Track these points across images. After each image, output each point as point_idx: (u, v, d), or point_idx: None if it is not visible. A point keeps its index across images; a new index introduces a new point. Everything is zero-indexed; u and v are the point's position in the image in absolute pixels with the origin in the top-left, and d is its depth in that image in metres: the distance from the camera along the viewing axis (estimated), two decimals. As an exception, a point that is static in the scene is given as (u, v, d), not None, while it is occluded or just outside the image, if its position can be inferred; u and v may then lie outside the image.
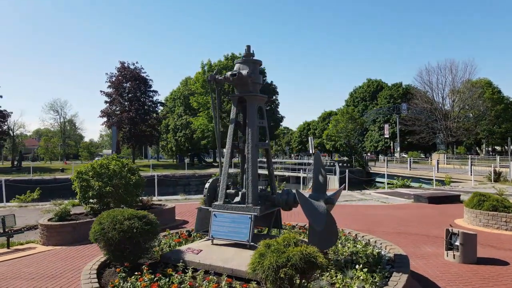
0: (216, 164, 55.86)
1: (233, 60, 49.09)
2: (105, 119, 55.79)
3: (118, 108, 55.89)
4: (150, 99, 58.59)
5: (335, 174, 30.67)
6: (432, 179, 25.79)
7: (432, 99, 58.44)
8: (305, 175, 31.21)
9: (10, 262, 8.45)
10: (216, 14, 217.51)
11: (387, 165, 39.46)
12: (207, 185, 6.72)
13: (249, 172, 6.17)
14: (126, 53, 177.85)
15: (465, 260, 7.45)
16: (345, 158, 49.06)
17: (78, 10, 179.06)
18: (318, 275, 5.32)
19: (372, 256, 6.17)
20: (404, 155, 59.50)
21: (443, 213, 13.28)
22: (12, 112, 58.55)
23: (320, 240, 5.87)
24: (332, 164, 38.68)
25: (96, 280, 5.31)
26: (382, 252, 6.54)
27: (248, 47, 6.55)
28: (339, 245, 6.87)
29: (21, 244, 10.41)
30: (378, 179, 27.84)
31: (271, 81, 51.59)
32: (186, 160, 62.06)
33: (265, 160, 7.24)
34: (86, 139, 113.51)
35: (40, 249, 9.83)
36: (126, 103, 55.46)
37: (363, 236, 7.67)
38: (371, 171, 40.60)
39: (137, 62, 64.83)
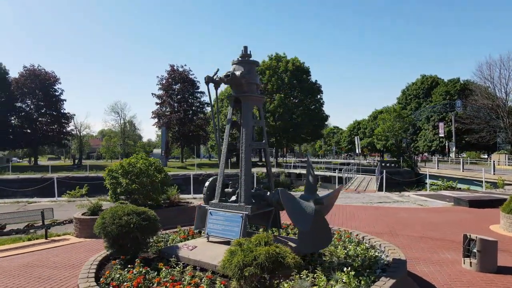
0: (260, 163, 56.24)
1: (277, 60, 49.18)
2: (156, 119, 58.59)
3: (168, 109, 58.38)
4: (197, 100, 60.44)
5: (380, 175, 29.40)
6: (488, 181, 23.96)
7: (493, 95, 53.98)
8: (346, 175, 30.44)
9: (42, 252, 9.28)
10: (263, 16, 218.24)
11: (437, 166, 37.29)
12: (206, 184, 6.90)
13: (242, 172, 6.25)
14: (177, 56, 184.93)
15: (482, 269, 6.92)
16: (394, 159, 46.98)
17: (135, 15, 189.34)
18: (304, 275, 5.29)
19: (368, 260, 5.96)
20: (463, 155, 55.67)
21: (481, 218, 12.33)
22: (74, 114, 63.72)
23: (311, 241, 5.81)
24: (376, 164, 37.27)
25: (94, 271, 5.71)
26: (383, 256, 6.30)
27: (245, 47, 6.62)
28: (339, 246, 6.71)
29: (58, 235, 11.35)
30: (428, 181, 26.31)
31: (315, 80, 50.91)
32: (233, 160, 63.07)
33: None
34: (145, 139, 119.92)
35: (72, 240, 10.66)
36: (175, 104, 57.75)
37: (369, 239, 7.40)
38: (420, 172, 38.51)
39: (185, 65, 67.24)
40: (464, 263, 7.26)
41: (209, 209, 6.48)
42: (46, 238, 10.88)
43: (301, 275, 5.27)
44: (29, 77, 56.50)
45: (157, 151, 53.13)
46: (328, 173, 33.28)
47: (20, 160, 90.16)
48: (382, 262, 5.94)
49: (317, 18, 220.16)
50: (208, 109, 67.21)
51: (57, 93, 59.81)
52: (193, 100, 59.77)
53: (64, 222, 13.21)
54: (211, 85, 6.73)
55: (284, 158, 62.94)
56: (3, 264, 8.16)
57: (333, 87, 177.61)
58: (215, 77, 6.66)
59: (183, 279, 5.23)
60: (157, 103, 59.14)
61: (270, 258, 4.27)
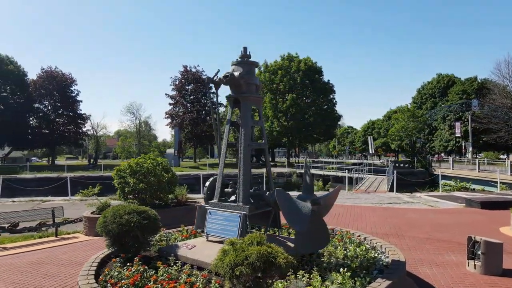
0: (273, 163, 56.23)
1: (289, 60, 48.99)
2: (169, 120, 59.22)
3: (181, 110, 58.90)
4: (210, 100, 60.70)
5: (391, 175, 28.95)
6: (503, 182, 23.40)
7: (512, 94, 52.53)
8: (357, 175, 30.20)
9: (51, 249, 9.52)
10: (275, 16, 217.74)
11: (452, 166, 36.63)
12: (207, 184, 6.97)
13: (240, 172, 6.28)
14: (192, 57, 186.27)
15: (486, 271, 6.79)
16: (408, 159, 46.25)
17: (149, 19, 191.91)
18: (301, 276, 5.29)
19: (367, 261, 5.92)
20: (481, 156, 54.39)
21: (492, 219, 12.07)
22: (90, 115, 65.06)
23: (308, 241, 5.80)
24: (386, 164, 36.82)
25: (94, 268, 5.83)
26: (382, 257, 6.25)
27: (245, 48, 6.66)
28: (339, 247, 6.68)
29: (68, 233, 11.62)
30: (440, 182, 25.93)
31: (328, 80, 50.48)
32: (253, 160, 63.25)
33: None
34: (160, 139, 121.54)
35: (81, 238, 10.90)
36: (188, 104, 58.24)
37: (371, 240, 7.35)
38: (435, 173, 37.84)
39: (198, 66, 67.60)
40: (468, 265, 7.14)
41: (209, 208, 6.54)
42: (56, 236, 11.15)
43: (297, 275, 5.28)
44: (46, 78, 57.87)
45: (170, 151, 53.66)
46: (340, 173, 33.09)
47: (40, 160, 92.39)
48: (381, 263, 5.89)
49: (326, 15, 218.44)
50: (221, 109, 67.64)
51: (73, 94, 61.11)
52: (206, 100, 60.14)
53: (75, 220, 13.50)
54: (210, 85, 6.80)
55: (297, 158, 62.80)
56: (13, 261, 8.41)
57: (347, 86, 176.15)
58: (215, 78, 6.72)
59: (179, 277, 5.30)
60: (170, 104, 59.78)
61: (261, 257, 4.29)
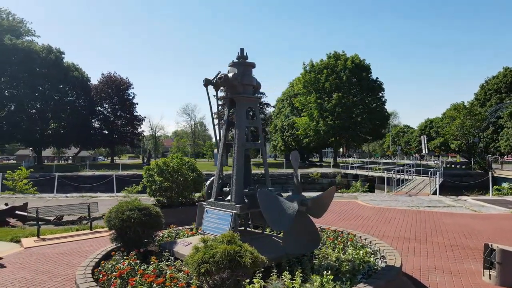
0: (319, 163, 55.38)
1: (335, 59, 47.86)
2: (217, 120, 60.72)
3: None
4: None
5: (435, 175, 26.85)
6: None
7: None
8: (402, 176, 28.80)
9: (81, 242, 10.29)
10: (323, 15, 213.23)
11: (515, 168, 33.51)
12: (207, 183, 7.14)
13: (234, 171, 6.37)
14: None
15: (502, 282, 6.23)
16: (465, 160, 43.08)
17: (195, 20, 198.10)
18: (285, 276, 5.26)
19: (358, 265, 5.72)
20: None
21: (538, 227, 10.94)
22: (145, 117, 68.73)
23: (296, 242, 5.74)
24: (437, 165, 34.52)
25: (96, 260, 6.26)
26: (378, 262, 5.99)
27: (241, 50, 6.74)
28: (336, 249, 6.52)
29: (102, 227, 12.44)
30: (490, 184, 23.84)
31: (376, 78, 48.39)
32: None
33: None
34: (214, 139, 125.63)
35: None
36: (236, 105, 59.25)
37: (375, 244, 7.05)
38: (495, 175, 34.86)
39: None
40: (484, 275, 6.60)
41: (206, 207, 6.71)
42: (90, 229, 12.03)
43: (281, 276, 5.27)
44: (106, 83, 62.18)
45: (216, 151, 55.07)
46: (385, 174, 31.74)
47: (105, 159, 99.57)
48: (375, 268, 5.66)
49: (380, 10, 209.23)
50: (268, 110, 67.86)
51: (130, 97, 65.04)
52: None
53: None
54: (211, 87, 6.97)
55: (345, 159, 61.22)
56: (46, 251, 9.23)
57: (404, 84, 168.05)
58: (214, 79, 6.87)
59: (166, 272, 5.51)
60: (219, 105, 61.13)
61: (226, 256, 4.35)
